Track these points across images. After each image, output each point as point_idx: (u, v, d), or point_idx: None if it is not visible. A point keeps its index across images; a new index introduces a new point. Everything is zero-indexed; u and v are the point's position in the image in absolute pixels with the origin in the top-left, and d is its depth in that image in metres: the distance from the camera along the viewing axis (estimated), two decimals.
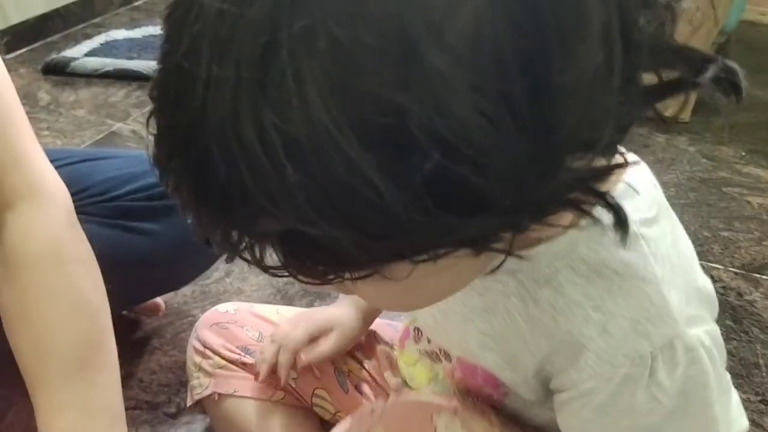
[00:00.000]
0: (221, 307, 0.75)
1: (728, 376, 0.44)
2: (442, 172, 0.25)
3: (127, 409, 0.84)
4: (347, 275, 0.30)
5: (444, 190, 0.25)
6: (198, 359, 0.71)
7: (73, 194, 0.81)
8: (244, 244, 0.30)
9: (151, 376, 0.88)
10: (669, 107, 1.29)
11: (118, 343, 0.93)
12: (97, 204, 0.80)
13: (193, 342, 0.72)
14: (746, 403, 0.86)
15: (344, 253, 0.27)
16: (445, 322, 0.49)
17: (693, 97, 1.48)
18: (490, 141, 0.25)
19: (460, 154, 0.24)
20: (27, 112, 0.62)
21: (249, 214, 0.27)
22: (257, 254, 0.30)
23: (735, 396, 0.46)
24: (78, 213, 0.79)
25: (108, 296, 0.83)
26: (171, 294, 0.99)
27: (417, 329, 0.56)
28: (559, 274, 0.39)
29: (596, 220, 0.32)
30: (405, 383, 0.62)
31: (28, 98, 1.49)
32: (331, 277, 0.30)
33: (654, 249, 0.39)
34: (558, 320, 0.40)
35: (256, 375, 0.68)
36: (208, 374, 0.71)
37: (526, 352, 0.43)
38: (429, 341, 0.55)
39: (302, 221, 0.26)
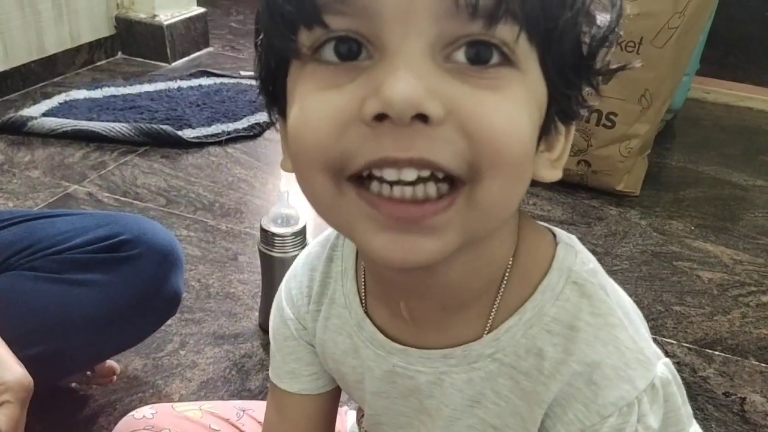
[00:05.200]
0: (137, 413, 0.69)
1: (689, 408, 0.45)
2: None
3: None
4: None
5: None
6: None
7: (23, 249, 0.80)
8: None
9: None
10: (621, 181, 1.34)
11: (63, 421, 0.89)
12: (47, 257, 0.79)
13: None
14: None
15: None
16: (432, 427, 0.47)
17: (643, 170, 1.53)
18: None
19: None
20: None
21: None
22: None
23: (696, 428, 0.47)
24: (25, 269, 0.78)
25: (59, 359, 0.80)
26: (122, 367, 0.96)
27: None
28: (537, 339, 0.41)
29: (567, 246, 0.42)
30: None
31: None
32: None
33: (611, 295, 0.42)
34: (548, 384, 0.41)
35: None
36: None
37: (523, 429, 0.43)
38: None
39: None
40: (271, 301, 1.05)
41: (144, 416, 0.68)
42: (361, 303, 0.47)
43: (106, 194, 1.40)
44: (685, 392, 0.45)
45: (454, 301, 0.42)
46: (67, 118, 1.65)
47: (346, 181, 0.34)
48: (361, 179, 0.34)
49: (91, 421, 0.89)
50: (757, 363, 1.07)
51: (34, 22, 1.85)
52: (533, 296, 0.41)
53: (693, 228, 1.43)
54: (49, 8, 1.88)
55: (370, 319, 0.47)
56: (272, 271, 1.03)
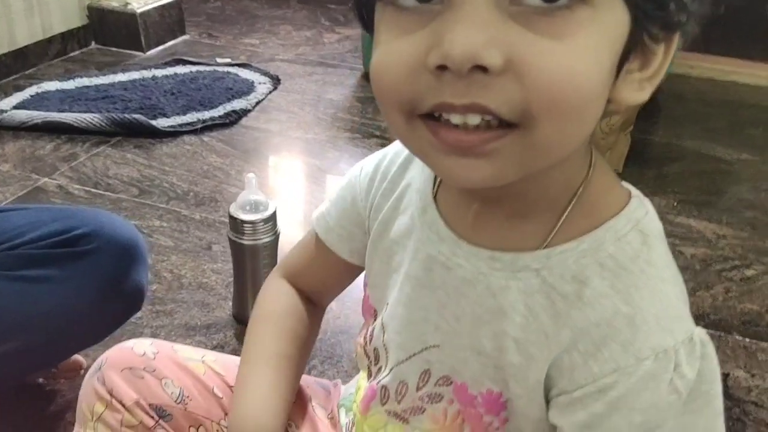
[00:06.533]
0: (137, 346, 0.61)
1: None
2: None
3: None
4: None
5: None
6: (99, 407, 0.59)
7: None
8: None
9: None
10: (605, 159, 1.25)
11: (31, 416, 0.87)
12: (2, 253, 0.77)
13: (94, 383, 0.60)
14: None
15: None
16: (457, 326, 0.47)
17: (626, 147, 1.50)
18: None
19: None
20: None
21: None
22: None
23: None
24: None
25: (21, 358, 0.78)
26: (89, 361, 0.93)
27: (384, 387, 0.52)
28: (587, 269, 0.42)
29: (638, 202, 0.44)
30: None
31: None
32: None
33: (669, 256, 0.44)
34: (585, 311, 0.42)
35: None
36: (113, 430, 0.59)
37: (545, 348, 0.43)
38: (399, 401, 0.51)
39: None
40: (244, 290, 1.04)
41: (144, 353, 0.61)
42: (433, 189, 0.50)
43: (77, 186, 1.37)
44: None
45: (522, 211, 0.44)
46: (39, 110, 1.61)
47: (417, 118, 0.38)
48: (432, 115, 0.38)
49: (58, 416, 0.87)
50: (740, 338, 1.06)
51: (4, 14, 1.81)
52: (596, 231, 0.43)
53: (675, 204, 1.41)
54: (19, 0, 1.84)
55: (436, 206, 0.49)
56: (243, 259, 1.00)
